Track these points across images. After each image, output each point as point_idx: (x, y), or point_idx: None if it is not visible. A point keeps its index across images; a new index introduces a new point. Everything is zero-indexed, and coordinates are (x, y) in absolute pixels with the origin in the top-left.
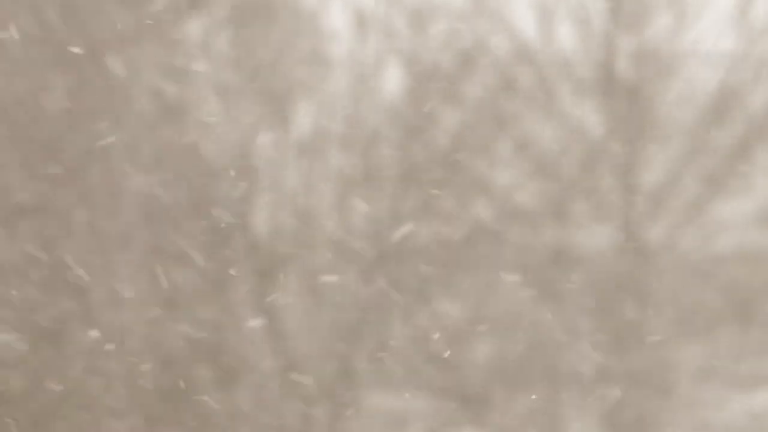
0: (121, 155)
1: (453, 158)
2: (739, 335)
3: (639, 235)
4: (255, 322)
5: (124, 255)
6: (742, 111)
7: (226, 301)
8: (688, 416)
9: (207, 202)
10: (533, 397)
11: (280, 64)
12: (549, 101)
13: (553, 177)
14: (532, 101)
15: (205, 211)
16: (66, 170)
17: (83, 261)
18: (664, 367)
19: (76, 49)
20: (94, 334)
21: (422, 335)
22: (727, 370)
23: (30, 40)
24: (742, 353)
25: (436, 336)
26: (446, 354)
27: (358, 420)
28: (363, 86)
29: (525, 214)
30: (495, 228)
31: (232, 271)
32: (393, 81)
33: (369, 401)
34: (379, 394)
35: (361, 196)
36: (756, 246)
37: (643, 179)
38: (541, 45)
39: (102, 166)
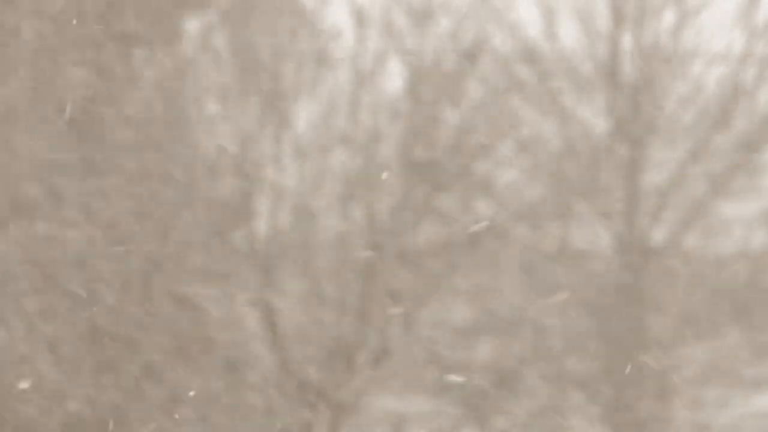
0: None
1: (455, 158)
2: (741, 336)
3: (643, 235)
4: (255, 322)
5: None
6: (746, 111)
7: (226, 301)
8: (690, 417)
9: (207, 202)
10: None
11: (281, 63)
12: (552, 100)
13: (556, 177)
14: (535, 100)
15: (206, 211)
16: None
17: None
18: (667, 367)
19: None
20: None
21: (424, 336)
22: (729, 371)
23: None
24: (744, 354)
25: (438, 337)
26: (448, 355)
27: (359, 422)
28: (364, 85)
29: (528, 214)
30: (498, 228)
31: (232, 271)
32: (394, 80)
33: (370, 403)
34: (381, 396)
35: (362, 196)
36: (760, 247)
37: (647, 179)
38: (545, 44)
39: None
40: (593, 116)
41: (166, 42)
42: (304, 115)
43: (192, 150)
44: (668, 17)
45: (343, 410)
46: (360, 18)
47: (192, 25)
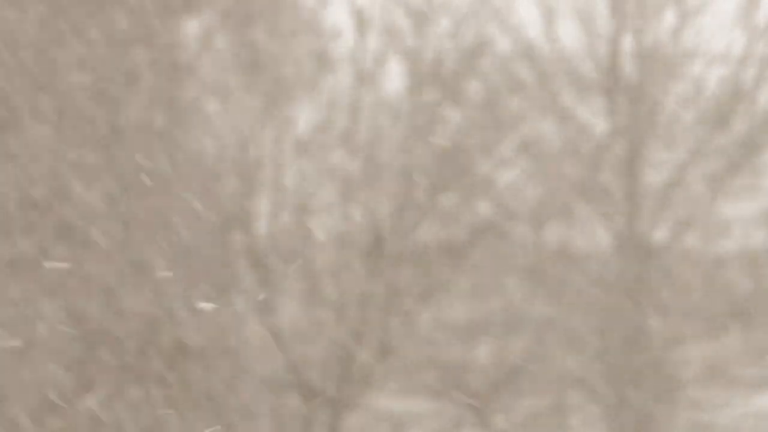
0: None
1: (455, 158)
2: (741, 336)
3: (643, 235)
4: (255, 323)
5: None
6: (746, 111)
7: (226, 300)
8: (691, 417)
9: (207, 202)
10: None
11: (281, 62)
12: (552, 100)
13: (556, 177)
14: (535, 100)
15: (206, 211)
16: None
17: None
18: (667, 368)
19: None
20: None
21: (424, 336)
22: (729, 371)
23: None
24: (745, 354)
25: (438, 337)
26: (448, 355)
27: (359, 422)
28: (364, 85)
29: (528, 214)
30: (497, 228)
31: (232, 271)
32: (394, 79)
33: (370, 403)
34: (381, 396)
35: (362, 196)
36: (760, 247)
37: (647, 179)
38: (545, 44)
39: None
40: (593, 116)
41: (166, 42)
42: (304, 115)
43: (192, 150)
44: (668, 18)
45: (343, 410)
46: (360, 18)
47: (192, 25)
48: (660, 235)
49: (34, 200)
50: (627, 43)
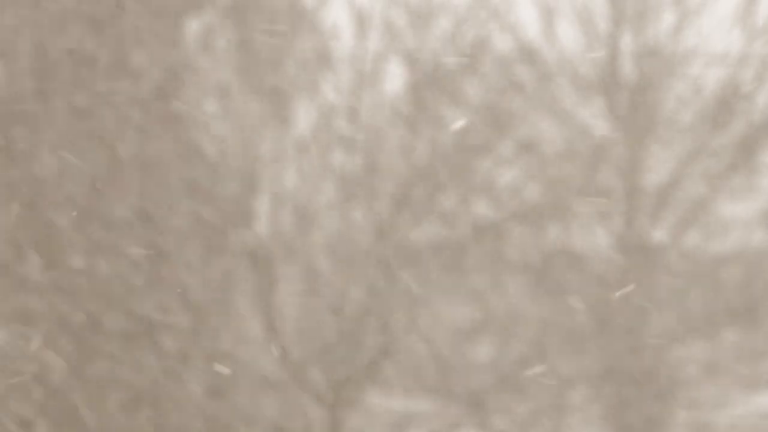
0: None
1: (455, 158)
2: (741, 335)
3: (642, 235)
4: (255, 322)
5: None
6: (745, 111)
7: (226, 300)
8: (691, 416)
9: (207, 202)
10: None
11: (281, 62)
12: (552, 101)
13: (556, 177)
14: (534, 101)
15: (206, 211)
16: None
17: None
18: (667, 367)
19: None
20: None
21: (424, 336)
22: (729, 371)
23: None
24: (744, 353)
25: (438, 337)
26: (448, 355)
27: (360, 422)
28: (364, 85)
29: (528, 214)
30: (497, 228)
31: (232, 271)
32: (394, 80)
33: (370, 403)
34: (381, 396)
35: (362, 196)
36: (759, 246)
37: (646, 179)
38: (544, 44)
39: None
40: (593, 117)
41: (166, 42)
42: (304, 115)
43: (192, 150)
44: (668, 18)
45: (343, 410)
46: (360, 18)
47: (192, 25)
48: (660, 235)
49: None
50: (627, 43)
